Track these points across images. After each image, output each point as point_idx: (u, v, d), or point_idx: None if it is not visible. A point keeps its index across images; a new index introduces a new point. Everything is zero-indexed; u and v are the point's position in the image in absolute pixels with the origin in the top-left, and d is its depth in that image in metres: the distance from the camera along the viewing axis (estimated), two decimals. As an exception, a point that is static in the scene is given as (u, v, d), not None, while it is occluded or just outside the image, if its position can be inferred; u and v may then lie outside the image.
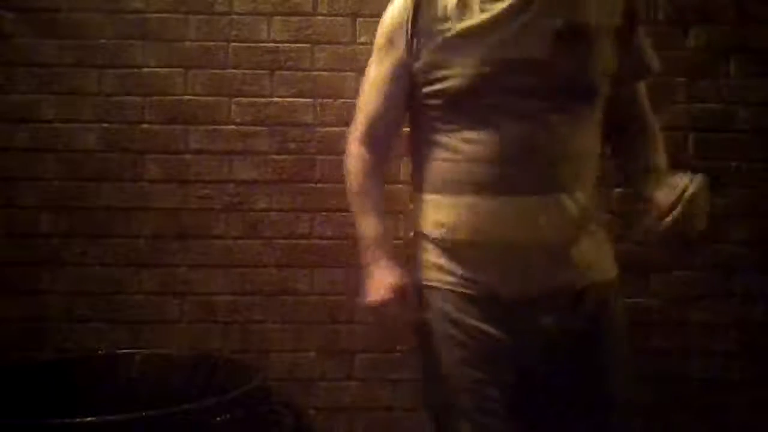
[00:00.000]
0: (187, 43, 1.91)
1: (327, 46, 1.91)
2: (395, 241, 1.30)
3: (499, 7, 1.12)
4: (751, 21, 1.91)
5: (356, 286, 1.85)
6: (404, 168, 1.46)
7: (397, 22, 1.20)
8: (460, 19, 1.14)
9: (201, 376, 1.69)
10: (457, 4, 1.15)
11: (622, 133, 1.28)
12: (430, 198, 1.20)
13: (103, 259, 1.89)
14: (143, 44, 1.90)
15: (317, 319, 1.90)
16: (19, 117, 1.88)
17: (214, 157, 1.91)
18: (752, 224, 1.90)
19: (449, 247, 1.17)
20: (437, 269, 1.19)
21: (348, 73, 1.91)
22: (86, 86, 1.90)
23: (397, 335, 1.23)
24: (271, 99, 1.91)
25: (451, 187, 1.15)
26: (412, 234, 1.27)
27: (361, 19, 1.91)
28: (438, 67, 1.15)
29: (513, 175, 1.11)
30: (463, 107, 1.13)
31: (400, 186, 1.73)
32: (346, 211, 1.86)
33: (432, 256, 1.20)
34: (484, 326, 1.14)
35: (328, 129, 1.91)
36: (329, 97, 1.91)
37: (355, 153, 1.28)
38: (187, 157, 1.91)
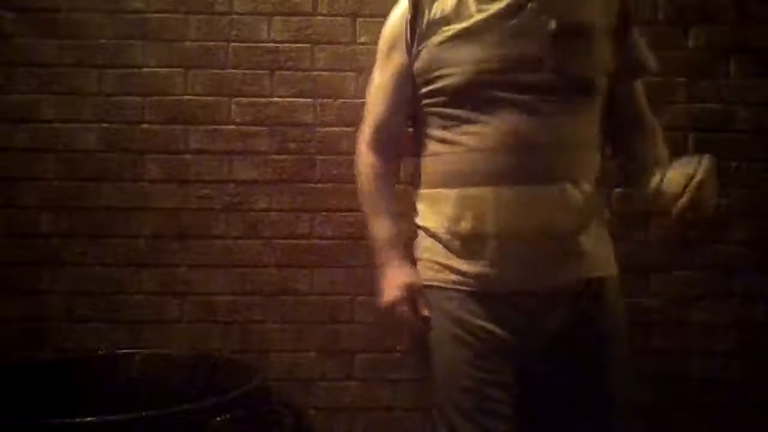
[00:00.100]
0: (187, 43, 1.91)
1: (327, 46, 1.91)
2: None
3: (496, 7, 1.14)
4: (751, 21, 1.91)
5: (356, 286, 1.88)
6: (404, 168, 1.46)
7: (398, 27, 1.23)
8: (458, 20, 1.16)
9: (201, 376, 1.69)
10: (455, 6, 1.17)
11: (622, 133, 1.29)
12: (432, 192, 1.21)
13: (103, 259, 1.89)
14: (143, 44, 1.90)
15: (317, 319, 1.90)
16: (19, 117, 1.88)
17: (214, 157, 1.91)
18: (752, 224, 1.90)
19: (452, 241, 1.17)
20: (440, 268, 1.19)
21: (348, 73, 1.91)
22: (86, 86, 1.90)
23: (408, 334, 1.23)
24: (271, 99, 1.92)
25: (454, 179, 1.16)
26: (413, 232, 1.27)
27: (361, 19, 1.91)
28: (437, 66, 1.17)
29: (515, 164, 1.11)
30: (462, 103, 1.14)
31: (400, 186, 1.73)
32: (346, 211, 1.89)
33: (434, 254, 1.20)
34: (490, 326, 1.14)
35: (328, 129, 1.91)
36: (329, 97, 1.91)
37: (364, 157, 1.30)
38: (187, 157, 1.91)
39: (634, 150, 1.28)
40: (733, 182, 1.89)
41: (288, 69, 1.92)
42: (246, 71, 1.91)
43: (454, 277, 1.17)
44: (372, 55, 1.30)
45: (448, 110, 1.17)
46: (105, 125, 1.90)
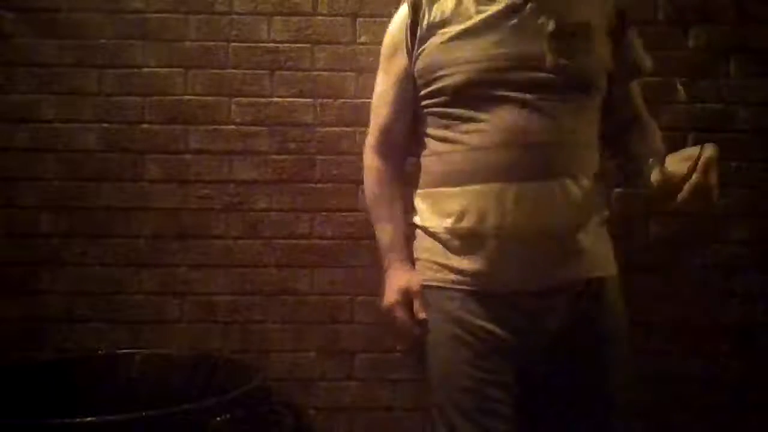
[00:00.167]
0: (187, 43, 1.91)
1: (327, 46, 1.91)
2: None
3: (495, 8, 1.15)
4: (751, 21, 1.91)
5: (356, 286, 1.88)
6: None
7: (399, 32, 1.25)
8: (458, 21, 1.17)
9: (201, 376, 1.69)
10: (454, 8, 1.17)
11: (620, 133, 1.29)
12: (433, 191, 1.21)
13: (103, 259, 1.89)
14: (143, 44, 1.90)
15: (317, 319, 1.90)
16: (19, 117, 1.88)
17: (214, 157, 1.91)
18: (752, 224, 1.90)
19: (452, 240, 1.17)
20: (439, 268, 1.19)
21: (348, 73, 1.91)
22: (86, 86, 1.90)
23: (405, 337, 1.24)
24: (271, 99, 1.91)
25: (456, 177, 1.16)
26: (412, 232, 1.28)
27: (361, 19, 1.91)
28: (438, 67, 1.17)
29: (516, 161, 1.12)
30: (463, 102, 1.15)
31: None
32: (346, 211, 1.89)
33: (433, 254, 1.21)
34: (490, 326, 1.14)
35: (328, 129, 1.91)
36: (329, 97, 1.91)
37: (369, 162, 1.32)
38: (187, 157, 1.91)
39: (631, 151, 1.29)
40: (733, 182, 1.89)
41: (288, 69, 1.92)
42: (246, 71, 1.91)
43: (453, 276, 1.17)
44: (372, 55, 1.31)
45: (449, 110, 1.17)
46: (105, 125, 1.90)
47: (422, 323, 1.20)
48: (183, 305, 1.89)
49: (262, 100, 1.91)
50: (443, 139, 1.19)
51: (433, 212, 1.21)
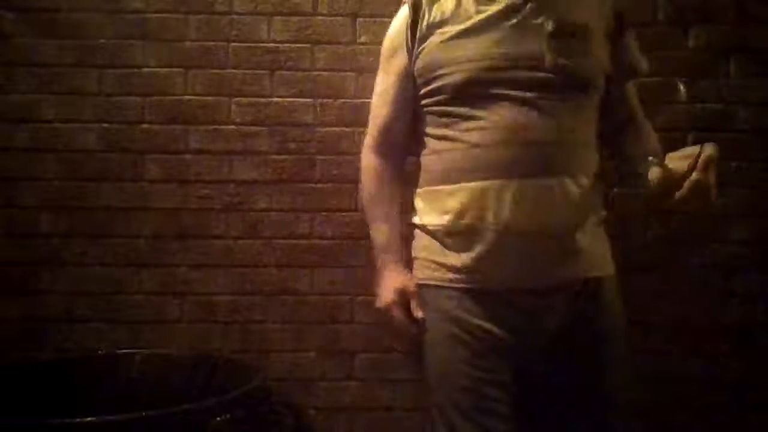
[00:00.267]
0: (187, 43, 1.91)
1: (327, 46, 1.91)
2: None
3: (494, 8, 1.16)
4: (751, 21, 1.91)
5: (356, 286, 1.88)
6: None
7: (400, 32, 1.26)
8: (458, 21, 1.17)
9: (201, 376, 1.69)
10: (454, 8, 1.18)
11: (615, 134, 1.30)
12: (433, 190, 1.21)
13: (103, 259, 1.89)
14: (143, 44, 1.90)
15: (317, 319, 1.90)
16: (19, 117, 1.88)
17: (214, 157, 1.91)
18: (752, 224, 1.90)
19: (450, 238, 1.17)
20: (436, 266, 1.19)
21: (348, 73, 1.91)
22: (86, 86, 1.90)
23: (402, 336, 1.24)
24: (271, 99, 1.91)
25: (455, 175, 1.17)
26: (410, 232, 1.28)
27: (361, 19, 1.91)
28: (437, 66, 1.18)
29: (515, 158, 1.12)
30: (462, 100, 1.16)
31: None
32: (346, 211, 1.89)
33: (431, 253, 1.21)
34: (487, 325, 1.14)
35: (328, 129, 1.91)
36: (329, 97, 1.91)
37: (367, 162, 1.32)
38: (187, 157, 1.91)
39: (626, 151, 1.30)
40: (733, 182, 1.89)
41: (288, 69, 1.92)
42: (246, 71, 1.91)
43: (450, 275, 1.17)
44: (372, 55, 1.31)
45: (449, 108, 1.17)
46: (105, 125, 1.90)
47: (419, 323, 1.20)
48: (183, 305, 1.89)
49: (262, 100, 1.91)
50: (443, 138, 1.19)
51: (432, 210, 1.21)
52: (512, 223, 1.12)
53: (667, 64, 1.87)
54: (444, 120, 1.19)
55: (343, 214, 1.89)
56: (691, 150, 1.08)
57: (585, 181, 1.16)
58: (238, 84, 1.91)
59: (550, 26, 1.14)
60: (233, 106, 1.91)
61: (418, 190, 1.26)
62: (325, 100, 1.91)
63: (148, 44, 1.90)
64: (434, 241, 1.20)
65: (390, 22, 1.31)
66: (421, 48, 1.20)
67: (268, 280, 1.90)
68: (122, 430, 1.24)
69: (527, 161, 1.12)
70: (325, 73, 1.92)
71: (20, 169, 1.89)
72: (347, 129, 1.88)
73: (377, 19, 1.88)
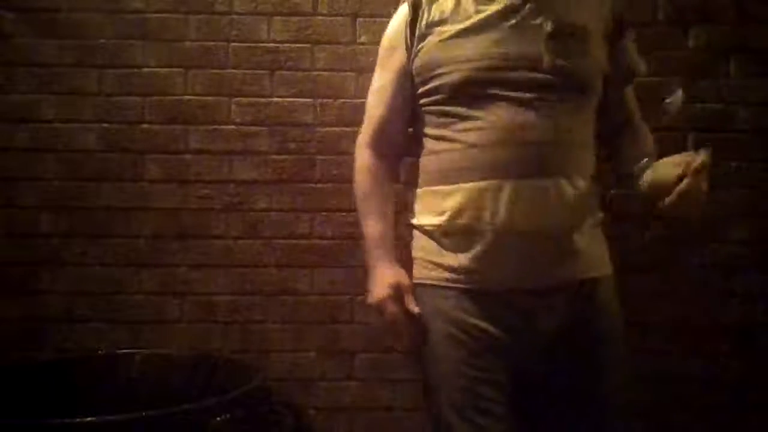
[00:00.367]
0: (187, 43, 1.91)
1: (327, 46, 1.91)
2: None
3: (494, 8, 1.16)
4: (751, 21, 1.91)
5: (356, 286, 1.88)
6: (402, 169, 1.46)
7: (398, 30, 1.25)
8: (457, 20, 1.17)
9: (201, 376, 1.69)
10: (453, 8, 1.18)
11: (612, 136, 1.30)
12: (430, 190, 1.22)
13: (103, 259, 1.89)
14: (143, 44, 1.90)
15: (317, 319, 1.90)
16: (19, 117, 1.88)
17: (214, 157, 1.91)
18: (752, 224, 1.90)
19: (448, 238, 1.17)
20: (433, 266, 1.19)
21: (348, 73, 1.91)
22: (86, 86, 1.90)
23: (399, 333, 1.23)
24: (271, 99, 1.91)
25: (453, 175, 1.17)
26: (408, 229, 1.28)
27: (361, 19, 1.91)
28: (436, 65, 1.18)
29: (512, 159, 1.12)
30: (460, 100, 1.16)
31: (398, 186, 1.73)
32: (346, 211, 1.89)
33: (428, 253, 1.21)
34: (483, 324, 1.14)
35: (328, 129, 1.91)
36: (329, 97, 1.91)
37: (361, 158, 1.32)
38: (187, 157, 1.91)
39: (623, 153, 1.30)
40: (733, 182, 1.89)
41: (288, 69, 1.92)
42: (246, 71, 1.91)
43: (447, 275, 1.17)
44: (372, 55, 1.31)
45: (446, 108, 1.18)
46: (105, 125, 1.90)
47: (415, 318, 1.19)
48: (183, 305, 1.89)
49: (262, 100, 1.91)
50: (440, 138, 1.19)
51: (430, 210, 1.21)
52: (509, 223, 1.12)
53: (667, 64, 1.87)
54: (442, 120, 1.19)
55: (343, 214, 1.89)
56: (684, 156, 1.08)
57: (581, 182, 1.16)
58: (238, 84, 1.91)
59: (548, 27, 1.14)
60: (233, 106, 1.91)
61: (417, 191, 1.26)
62: (325, 100, 1.91)
63: (148, 44, 1.90)
64: (431, 241, 1.20)
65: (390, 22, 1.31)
66: (419, 47, 1.20)
67: (268, 280, 1.90)
68: (122, 430, 1.24)
69: (524, 162, 1.12)
70: (325, 73, 1.92)
71: (20, 169, 1.88)
72: (347, 129, 1.88)
73: (377, 19, 1.88)
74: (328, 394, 1.89)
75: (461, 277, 1.16)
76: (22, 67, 1.89)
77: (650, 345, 1.87)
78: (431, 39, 1.19)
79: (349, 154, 1.85)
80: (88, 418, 1.21)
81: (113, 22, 1.90)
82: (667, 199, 1.07)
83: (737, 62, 1.91)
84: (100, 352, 1.82)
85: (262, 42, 1.92)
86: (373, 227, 1.27)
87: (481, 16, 1.16)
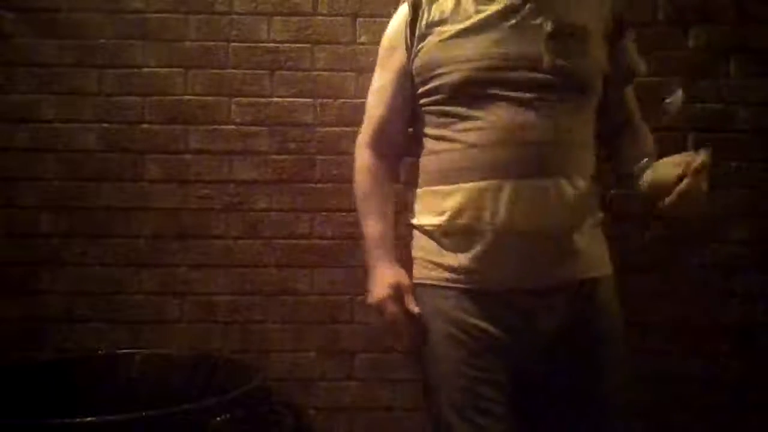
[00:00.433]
0: (187, 43, 1.91)
1: (327, 46, 1.91)
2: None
3: (494, 8, 1.15)
4: (751, 21, 1.91)
5: (356, 286, 1.88)
6: (403, 169, 1.46)
7: (399, 30, 1.25)
8: (457, 20, 1.17)
9: (201, 376, 1.69)
10: (453, 8, 1.18)
11: (612, 136, 1.30)
12: (431, 190, 1.22)
13: (103, 259, 1.89)
14: (143, 44, 1.90)
15: (317, 319, 1.90)
16: (19, 117, 1.88)
17: (214, 157, 1.91)
18: (752, 224, 1.90)
19: (448, 238, 1.17)
20: (433, 266, 1.19)
21: (348, 73, 1.91)
22: (86, 86, 1.90)
23: (399, 333, 1.23)
24: (271, 99, 1.91)
25: (453, 176, 1.17)
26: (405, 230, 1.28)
27: (361, 19, 1.91)
28: (436, 65, 1.18)
29: (512, 159, 1.12)
30: (460, 100, 1.16)
31: (398, 186, 1.73)
32: (346, 211, 1.89)
33: (428, 253, 1.21)
34: (483, 324, 1.14)
35: (328, 129, 1.91)
36: (329, 97, 1.91)
37: (361, 158, 1.32)
38: (187, 157, 1.91)
39: (622, 153, 1.30)
40: (733, 182, 1.89)
41: (288, 69, 1.92)
42: (246, 71, 1.91)
43: (447, 274, 1.17)
44: (372, 55, 1.31)
45: (446, 108, 1.18)
46: (105, 125, 1.90)
47: (415, 317, 1.19)
48: (183, 305, 1.89)
49: (262, 100, 1.91)
50: (440, 138, 1.19)
51: (430, 210, 1.21)
52: (509, 223, 1.12)
53: (667, 64, 1.87)
54: (442, 120, 1.19)
55: (343, 214, 1.89)
56: (684, 156, 1.08)
57: (581, 182, 1.16)
58: (238, 84, 1.91)
59: (548, 27, 1.14)
60: (233, 106, 1.91)
61: (417, 191, 1.26)
62: (325, 100, 1.91)
63: (148, 44, 1.90)
64: (431, 241, 1.20)
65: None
66: (419, 46, 1.20)
67: (268, 280, 1.90)
68: (122, 430, 1.24)
69: (524, 162, 1.12)
70: (325, 73, 1.92)
71: (20, 169, 1.88)
72: (347, 129, 1.88)
73: (377, 19, 1.88)
74: (328, 394, 1.89)
75: (461, 277, 1.16)
76: (22, 67, 1.89)
77: (650, 345, 1.87)
78: (431, 39, 1.19)
79: (349, 154, 1.85)
80: (88, 418, 1.21)
81: (113, 22, 1.90)
82: (667, 199, 1.07)
83: (737, 62, 1.91)
84: (100, 352, 1.82)
85: (262, 42, 1.92)
86: (373, 227, 1.27)
87: (481, 16, 1.16)
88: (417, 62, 1.21)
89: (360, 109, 1.35)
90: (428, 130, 1.22)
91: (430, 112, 1.21)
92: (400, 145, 1.31)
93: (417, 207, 1.25)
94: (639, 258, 1.85)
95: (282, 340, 1.90)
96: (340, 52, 1.91)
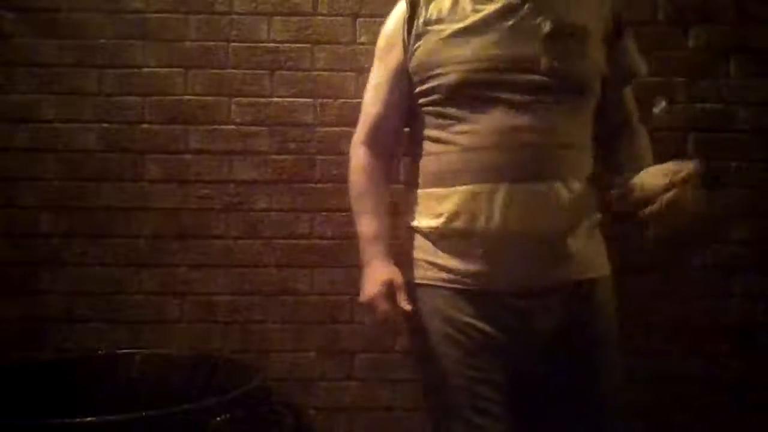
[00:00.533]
0: (187, 43, 1.91)
1: (327, 46, 1.91)
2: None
3: (491, 8, 1.15)
4: (751, 21, 1.91)
5: (356, 286, 1.87)
6: (401, 169, 1.47)
7: (396, 28, 1.24)
8: (454, 20, 1.16)
9: (201, 376, 1.69)
10: (451, 7, 1.17)
11: (610, 139, 1.29)
12: (427, 192, 1.21)
13: (103, 259, 1.89)
14: (143, 44, 1.90)
15: (317, 319, 1.90)
16: (19, 117, 1.88)
17: (214, 157, 1.91)
18: (752, 224, 1.90)
19: (445, 239, 1.17)
20: (430, 266, 1.19)
21: (348, 73, 1.91)
22: (86, 86, 1.90)
23: (392, 331, 1.23)
24: (271, 99, 1.91)
25: (449, 178, 1.16)
26: (404, 230, 1.28)
27: (361, 19, 1.91)
28: (433, 65, 1.17)
29: (508, 162, 1.12)
30: (457, 102, 1.15)
31: (396, 186, 1.73)
32: (346, 211, 1.87)
33: (425, 253, 1.21)
34: (479, 324, 1.14)
35: (328, 129, 1.91)
36: (329, 97, 1.91)
37: (356, 157, 1.31)
38: (187, 157, 1.91)
39: (619, 155, 1.29)
40: (733, 182, 1.89)
41: (288, 69, 1.92)
42: (246, 71, 1.91)
43: (444, 275, 1.17)
44: (372, 55, 1.30)
45: (443, 109, 1.17)
46: (105, 125, 1.90)
47: (408, 315, 1.19)
48: (183, 305, 1.89)
49: (262, 100, 1.91)
50: (437, 140, 1.19)
51: (426, 213, 1.21)
52: (503, 227, 1.12)
53: (667, 64, 1.87)
54: (439, 122, 1.18)
55: (343, 214, 1.89)
56: (673, 165, 1.08)
57: (577, 185, 1.16)
58: (238, 84, 1.91)
59: (547, 27, 1.13)
60: (233, 106, 1.91)
61: (416, 192, 1.25)
62: (325, 100, 1.91)
63: (148, 44, 1.90)
64: (428, 242, 1.20)
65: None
66: (416, 45, 1.19)
67: (268, 280, 1.90)
68: (122, 430, 1.24)
69: (519, 165, 1.12)
70: (325, 73, 1.92)
71: (20, 169, 1.89)
72: (347, 129, 1.87)
73: (377, 19, 1.87)
74: (328, 394, 1.89)
75: (457, 277, 1.16)
76: (22, 67, 1.89)
77: (650, 345, 1.87)
78: (428, 38, 1.18)
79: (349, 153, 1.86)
80: (88, 418, 1.21)
81: (113, 22, 1.90)
82: (648, 209, 1.07)
83: (737, 62, 1.91)
84: (100, 352, 1.82)
85: (262, 42, 1.92)
86: (367, 226, 1.26)
87: (479, 15, 1.15)
88: (414, 61, 1.20)
89: (360, 109, 1.35)
90: (427, 132, 1.21)
91: (429, 113, 1.20)
92: (396, 143, 1.30)
93: (416, 208, 1.25)
94: (639, 258, 1.85)
95: (282, 340, 1.90)
96: (340, 52, 1.92)
